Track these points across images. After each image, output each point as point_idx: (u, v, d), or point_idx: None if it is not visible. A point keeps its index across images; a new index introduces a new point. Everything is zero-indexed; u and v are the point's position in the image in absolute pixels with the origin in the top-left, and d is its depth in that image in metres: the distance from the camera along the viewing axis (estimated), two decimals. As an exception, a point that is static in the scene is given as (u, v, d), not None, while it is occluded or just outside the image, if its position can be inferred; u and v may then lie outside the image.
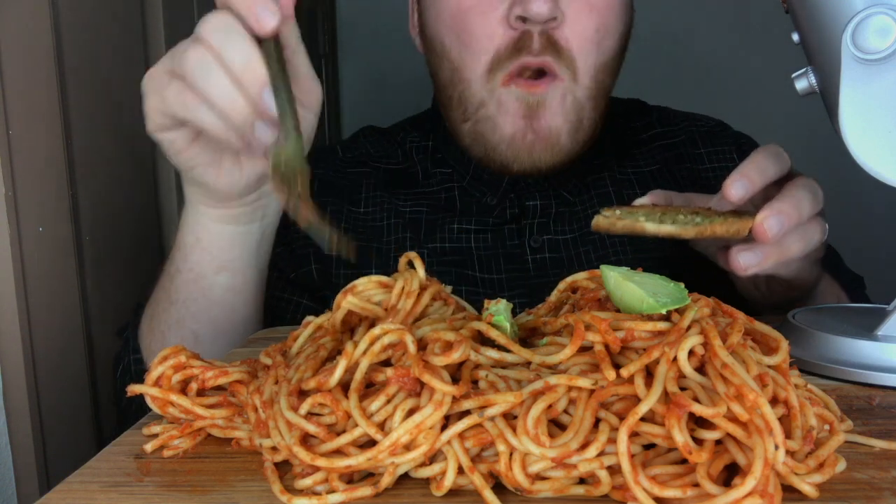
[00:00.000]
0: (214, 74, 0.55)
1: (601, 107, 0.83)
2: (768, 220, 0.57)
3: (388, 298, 0.49)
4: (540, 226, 0.85)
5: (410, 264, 0.52)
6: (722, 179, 0.87)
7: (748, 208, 0.61)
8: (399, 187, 0.89)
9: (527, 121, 0.78)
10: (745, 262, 0.59)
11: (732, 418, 0.36)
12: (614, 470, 0.38)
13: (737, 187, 0.59)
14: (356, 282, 0.50)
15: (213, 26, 0.56)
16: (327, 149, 0.94)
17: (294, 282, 0.84)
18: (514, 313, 0.48)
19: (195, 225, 0.71)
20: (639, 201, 0.64)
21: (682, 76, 2.14)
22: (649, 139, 0.93)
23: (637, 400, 0.38)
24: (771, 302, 0.75)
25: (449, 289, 0.52)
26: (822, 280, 0.77)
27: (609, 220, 0.59)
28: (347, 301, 0.49)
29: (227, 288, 0.72)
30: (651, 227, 0.58)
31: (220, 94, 0.55)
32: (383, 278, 0.50)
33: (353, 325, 0.51)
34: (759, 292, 0.75)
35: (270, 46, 0.56)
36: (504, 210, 0.86)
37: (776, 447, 0.35)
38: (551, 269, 0.84)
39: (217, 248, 0.71)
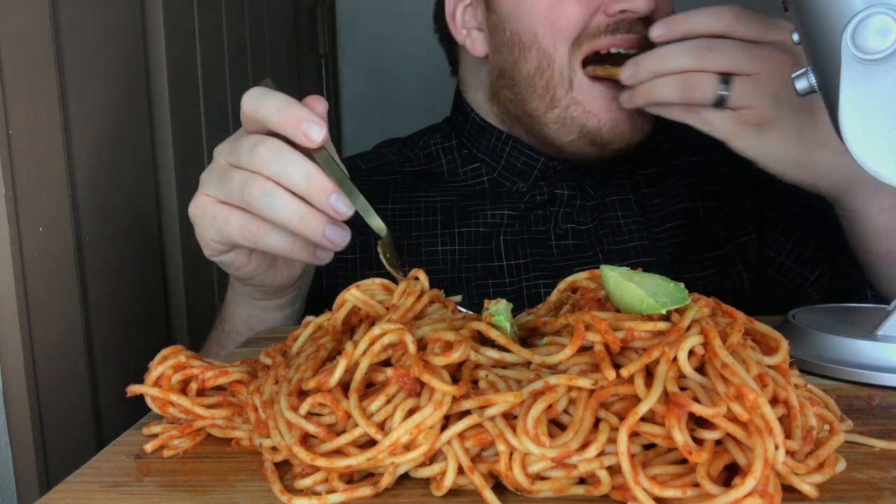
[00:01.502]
0: (281, 200, 0.57)
1: None
2: (626, 65, 0.72)
3: (390, 299, 0.50)
4: (565, 215, 0.88)
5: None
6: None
7: None
8: (426, 182, 0.92)
9: (622, 111, 0.81)
10: (621, 97, 0.75)
11: (732, 418, 0.36)
12: (614, 470, 0.38)
13: (657, 26, 0.71)
14: (361, 282, 0.51)
15: (264, 155, 0.57)
16: (348, 161, 0.97)
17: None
18: (516, 312, 0.48)
19: (249, 318, 0.75)
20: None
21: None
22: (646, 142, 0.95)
23: (637, 400, 0.38)
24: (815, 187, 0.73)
25: (458, 298, 0.53)
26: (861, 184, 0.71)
27: None
28: (351, 294, 0.49)
29: None
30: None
31: (291, 215, 0.58)
32: (386, 281, 0.52)
33: (352, 326, 0.51)
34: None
35: (324, 154, 0.58)
36: (535, 197, 0.89)
37: (776, 447, 0.35)
38: (574, 252, 0.87)
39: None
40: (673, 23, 0.69)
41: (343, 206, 0.57)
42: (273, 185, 0.57)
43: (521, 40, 0.83)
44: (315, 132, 0.56)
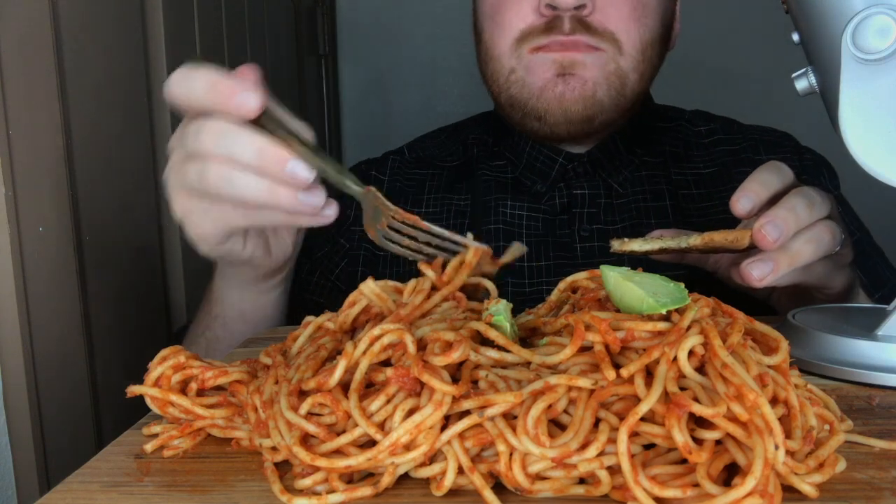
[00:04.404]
0: (240, 181, 0.55)
1: (647, 83, 0.86)
2: (765, 227, 0.57)
3: (400, 299, 0.50)
4: (590, 216, 0.87)
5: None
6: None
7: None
8: (459, 182, 0.93)
9: (558, 76, 0.81)
10: (758, 272, 0.58)
11: (732, 418, 0.36)
12: (614, 470, 0.38)
13: (742, 202, 0.60)
14: (370, 280, 0.52)
15: (208, 140, 0.55)
16: (395, 152, 0.99)
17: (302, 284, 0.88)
18: (515, 313, 0.48)
19: (240, 302, 0.76)
20: (649, 235, 0.64)
21: (692, 81, 2.12)
22: (712, 143, 0.94)
23: (637, 400, 0.38)
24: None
25: (523, 250, 0.54)
26: (856, 283, 0.73)
27: (621, 244, 0.62)
28: (366, 286, 0.50)
29: None
30: (648, 245, 0.61)
31: (256, 193, 0.55)
32: (398, 284, 0.52)
33: (353, 327, 0.51)
34: (798, 304, 0.71)
35: (268, 119, 0.55)
36: (553, 198, 0.89)
37: (776, 447, 0.35)
38: (599, 255, 0.86)
39: (260, 317, 0.76)
40: (755, 192, 0.61)
41: (302, 172, 0.53)
42: (227, 169, 0.55)
43: (478, 30, 0.88)
44: (250, 101, 0.53)
